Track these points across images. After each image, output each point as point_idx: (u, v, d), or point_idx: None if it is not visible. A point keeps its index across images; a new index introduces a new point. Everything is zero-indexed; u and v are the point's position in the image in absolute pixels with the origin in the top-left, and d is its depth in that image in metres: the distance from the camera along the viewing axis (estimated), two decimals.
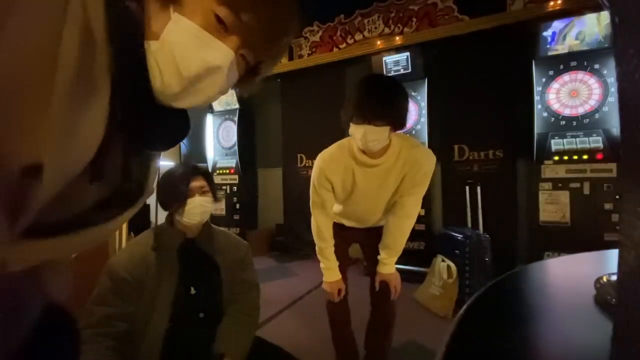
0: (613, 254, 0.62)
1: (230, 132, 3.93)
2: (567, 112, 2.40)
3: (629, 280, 0.24)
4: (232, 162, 3.87)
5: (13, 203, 0.27)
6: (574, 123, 2.37)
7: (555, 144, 2.38)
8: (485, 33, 2.80)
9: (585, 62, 2.35)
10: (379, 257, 1.30)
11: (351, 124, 1.10)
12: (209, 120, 4.13)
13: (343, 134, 1.18)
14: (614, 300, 0.38)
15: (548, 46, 2.45)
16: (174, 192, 1.03)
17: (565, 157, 2.34)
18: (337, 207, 1.36)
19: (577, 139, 2.32)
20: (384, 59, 3.15)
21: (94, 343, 0.87)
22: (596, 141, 2.26)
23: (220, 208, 3.82)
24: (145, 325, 0.97)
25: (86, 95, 0.31)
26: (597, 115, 2.31)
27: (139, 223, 1.94)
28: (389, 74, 3.13)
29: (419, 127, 2.98)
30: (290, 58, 3.80)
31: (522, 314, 0.44)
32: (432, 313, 2.16)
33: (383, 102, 1.04)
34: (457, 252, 2.23)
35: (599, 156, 2.24)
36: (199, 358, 1.01)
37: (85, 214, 0.37)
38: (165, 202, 1.07)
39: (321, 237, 1.31)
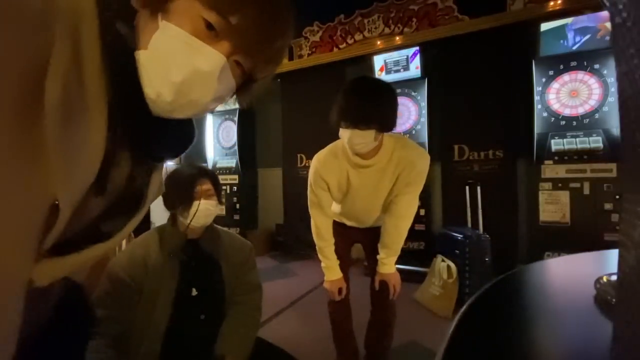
0: (613, 254, 0.62)
1: (230, 132, 3.93)
2: (567, 112, 2.40)
3: (629, 280, 0.24)
4: (232, 162, 3.87)
5: (41, 233, 0.31)
6: (574, 123, 2.37)
7: (555, 144, 2.37)
8: (485, 33, 2.80)
9: (585, 62, 2.35)
10: (378, 256, 1.30)
11: (340, 128, 1.11)
12: (209, 120, 4.13)
13: None
14: (614, 300, 0.38)
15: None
16: (179, 193, 1.02)
17: (565, 157, 2.34)
18: (336, 207, 1.37)
19: (577, 139, 2.32)
20: (384, 59, 3.15)
21: (92, 340, 0.87)
22: (596, 141, 2.26)
23: (220, 208, 3.81)
24: (145, 325, 0.97)
25: (81, 124, 0.32)
26: (597, 115, 2.31)
27: (139, 224, 1.94)
28: (389, 74, 3.14)
29: (419, 127, 2.98)
30: (290, 58, 3.80)
31: (522, 314, 0.44)
32: (432, 313, 2.16)
33: (366, 107, 1.04)
34: (457, 252, 2.23)
35: (599, 156, 2.24)
36: (200, 359, 1.01)
37: (93, 226, 0.39)
38: (170, 203, 1.06)
39: (320, 236, 1.31)
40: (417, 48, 3.00)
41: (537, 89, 2.48)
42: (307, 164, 3.71)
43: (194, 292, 1.04)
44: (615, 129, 2.24)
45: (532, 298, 0.51)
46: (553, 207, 2.37)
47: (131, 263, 0.99)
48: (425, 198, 2.86)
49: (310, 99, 3.69)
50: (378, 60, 3.18)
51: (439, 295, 2.20)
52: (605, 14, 2.21)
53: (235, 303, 1.11)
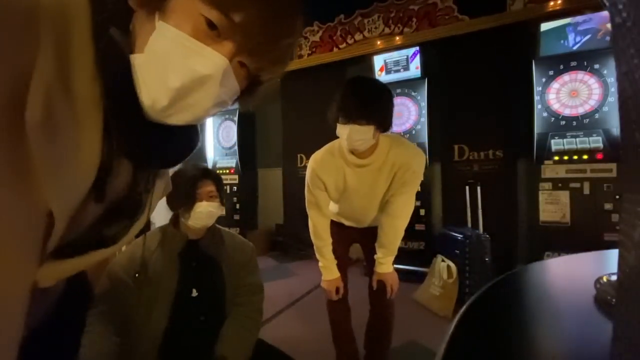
0: (613, 254, 0.62)
1: (230, 132, 3.93)
2: (567, 112, 2.40)
3: (629, 280, 0.24)
4: (232, 162, 3.87)
5: (42, 239, 0.32)
6: (574, 123, 2.37)
7: (555, 144, 2.37)
8: (485, 33, 2.80)
9: (585, 62, 2.35)
10: (375, 256, 1.31)
11: (338, 125, 1.11)
12: (209, 120, 4.13)
13: None
14: (614, 300, 0.38)
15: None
16: (181, 195, 1.02)
17: (565, 157, 2.34)
18: (334, 207, 1.37)
19: (577, 139, 2.31)
20: (384, 59, 3.16)
21: (94, 325, 0.89)
22: (596, 141, 2.26)
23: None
24: (144, 326, 0.97)
25: (71, 135, 0.31)
26: (597, 115, 2.31)
27: None
28: (389, 74, 3.14)
29: (419, 127, 2.98)
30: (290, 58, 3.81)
31: (522, 314, 0.44)
32: (432, 313, 2.16)
33: (366, 102, 1.06)
34: (457, 252, 2.23)
35: (599, 156, 2.24)
36: None
37: (96, 230, 0.39)
38: (172, 203, 1.06)
39: (318, 235, 1.32)
40: (417, 48, 3.00)
41: (537, 89, 2.48)
42: (307, 164, 3.70)
43: (195, 293, 1.04)
44: (615, 129, 2.24)
45: (532, 298, 0.51)
46: (553, 207, 2.37)
47: (131, 263, 0.99)
48: (425, 198, 2.86)
49: (310, 99, 3.68)
50: (378, 60, 3.18)
51: (439, 295, 2.20)
52: (605, 13, 2.21)
53: (236, 304, 1.11)
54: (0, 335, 0.29)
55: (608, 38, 2.26)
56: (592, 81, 2.33)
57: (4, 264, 0.28)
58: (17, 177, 0.27)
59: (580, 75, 2.36)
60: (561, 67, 2.42)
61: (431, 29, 3.09)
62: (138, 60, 0.35)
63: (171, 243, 1.05)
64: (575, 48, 2.39)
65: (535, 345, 0.36)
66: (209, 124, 4.13)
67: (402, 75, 3.08)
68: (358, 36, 3.51)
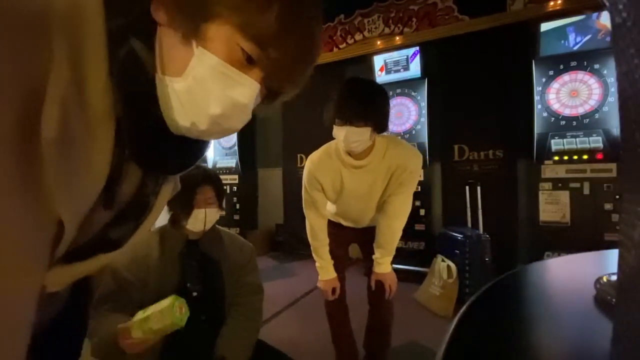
0: (613, 254, 0.62)
1: None
2: (567, 112, 2.40)
3: (629, 280, 0.24)
4: (232, 162, 3.87)
5: (51, 247, 0.32)
6: (574, 123, 2.37)
7: (555, 144, 2.37)
8: (485, 33, 2.80)
9: (585, 62, 2.35)
10: (373, 256, 1.31)
11: (334, 126, 1.11)
12: None
13: None
14: (614, 300, 0.38)
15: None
16: (180, 199, 1.01)
17: (565, 157, 2.34)
18: (332, 207, 1.37)
19: (577, 139, 2.31)
20: (384, 59, 3.15)
21: (104, 315, 0.90)
22: (596, 141, 2.26)
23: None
24: None
25: (83, 145, 0.31)
26: (597, 115, 2.31)
27: None
28: (389, 74, 3.14)
29: (419, 127, 2.98)
30: None
31: (522, 314, 0.44)
32: (432, 313, 2.16)
33: (363, 103, 1.06)
34: (457, 252, 2.23)
35: (599, 156, 2.24)
36: None
37: (102, 233, 0.39)
38: (170, 204, 1.05)
39: (314, 236, 1.32)
40: (417, 48, 3.00)
41: (537, 89, 2.48)
42: None
43: (194, 293, 1.04)
44: (615, 129, 2.24)
45: (532, 298, 0.51)
46: (553, 207, 2.37)
47: (134, 262, 0.99)
48: (425, 198, 2.86)
49: (310, 99, 3.66)
50: (378, 60, 3.18)
51: (439, 295, 2.20)
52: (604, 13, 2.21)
53: (236, 304, 1.11)
54: (10, 340, 0.29)
55: (608, 38, 2.26)
56: (592, 81, 2.33)
57: (14, 272, 0.28)
58: (30, 189, 0.27)
59: (580, 75, 2.36)
60: (561, 67, 2.42)
61: (431, 29, 3.08)
62: (177, 86, 0.35)
63: (171, 243, 1.05)
64: (575, 48, 2.39)
65: (535, 345, 0.36)
66: None
67: (402, 75, 3.09)
68: (358, 36, 3.51)
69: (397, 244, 1.29)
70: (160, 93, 0.36)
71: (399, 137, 2.82)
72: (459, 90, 2.97)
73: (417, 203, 2.81)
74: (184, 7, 0.34)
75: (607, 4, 0.23)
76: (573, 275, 0.58)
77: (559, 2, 2.50)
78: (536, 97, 2.48)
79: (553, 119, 2.44)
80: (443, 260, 2.28)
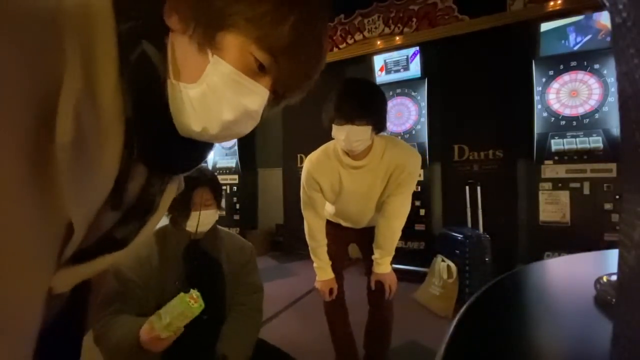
0: (613, 254, 0.62)
1: None
2: (567, 112, 2.40)
3: (629, 280, 0.24)
4: (232, 162, 3.87)
5: (59, 249, 0.32)
6: (574, 123, 2.37)
7: (555, 144, 2.37)
8: (485, 33, 2.80)
9: (585, 62, 2.35)
10: (373, 257, 1.31)
11: (334, 126, 1.11)
12: None
13: None
14: (614, 300, 0.38)
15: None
16: (177, 201, 1.02)
17: (565, 157, 2.34)
18: (331, 208, 1.37)
19: (577, 139, 2.32)
20: (384, 59, 3.15)
21: (114, 320, 0.91)
22: (596, 141, 2.26)
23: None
24: None
25: (94, 148, 0.31)
26: (597, 115, 2.31)
27: None
28: (389, 74, 3.14)
29: (419, 127, 2.98)
30: None
31: (522, 314, 0.44)
32: (432, 313, 2.16)
33: (364, 102, 1.06)
34: (457, 252, 2.23)
35: (599, 156, 2.24)
36: (201, 359, 1.01)
37: (108, 233, 0.39)
38: (168, 208, 1.06)
39: (312, 236, 1.32)
40: (417, 48, 3.00)
41: (537, 89, 2.48)
42: None
43: None
44: (615, 129, 2.24)
45: (532, 298, 0.51)
46: (553, 207, 2.37)
47: (137, 263, 1.00)
48: (425, 198, 2.86)
49: (310, 99, 3.66)
50: (378, 60, 3.18)
51: (439, 295, 2.20)
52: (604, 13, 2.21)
53: (236, 304, 1.11)
54: (18, 344, 0.29)
55: (608, 38, 2.26)
56: (592, 81, 2.33)
57: (23, 275, 0.28)
58: (42, 193, 0.27)
59: (580, 75, 2.37)
60: (561, 67, 2.42)
61: (431, 29, 3.09)
62: (192, 92, 0.36)
63: (173, 243, 1.05)
64: (575, 48, 2.39)
65: (535, 345, 0.36)
66: None
67: (402, 75, 3.09)
68: (358, 36, 3.51)
69: (396, 244, 1.29)
70: (172, 97, 0.36)
71: (399, 137, 2.83)
72: (459, 90, 2.97)
73: (417, 203, 2.82)
74: (200, 16, 0.34)
75: (607, 4, 0.23)
76: (573, 276, 0.58)
77: (559, 2, 2.50)
78: (536, 97, 2.48)
79: (553, 119, 2.44)
80: (443, 260, 2.28)
